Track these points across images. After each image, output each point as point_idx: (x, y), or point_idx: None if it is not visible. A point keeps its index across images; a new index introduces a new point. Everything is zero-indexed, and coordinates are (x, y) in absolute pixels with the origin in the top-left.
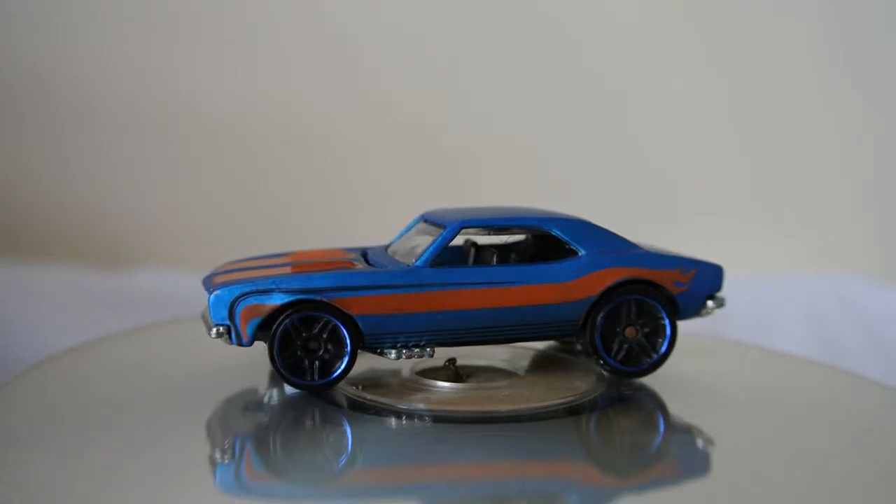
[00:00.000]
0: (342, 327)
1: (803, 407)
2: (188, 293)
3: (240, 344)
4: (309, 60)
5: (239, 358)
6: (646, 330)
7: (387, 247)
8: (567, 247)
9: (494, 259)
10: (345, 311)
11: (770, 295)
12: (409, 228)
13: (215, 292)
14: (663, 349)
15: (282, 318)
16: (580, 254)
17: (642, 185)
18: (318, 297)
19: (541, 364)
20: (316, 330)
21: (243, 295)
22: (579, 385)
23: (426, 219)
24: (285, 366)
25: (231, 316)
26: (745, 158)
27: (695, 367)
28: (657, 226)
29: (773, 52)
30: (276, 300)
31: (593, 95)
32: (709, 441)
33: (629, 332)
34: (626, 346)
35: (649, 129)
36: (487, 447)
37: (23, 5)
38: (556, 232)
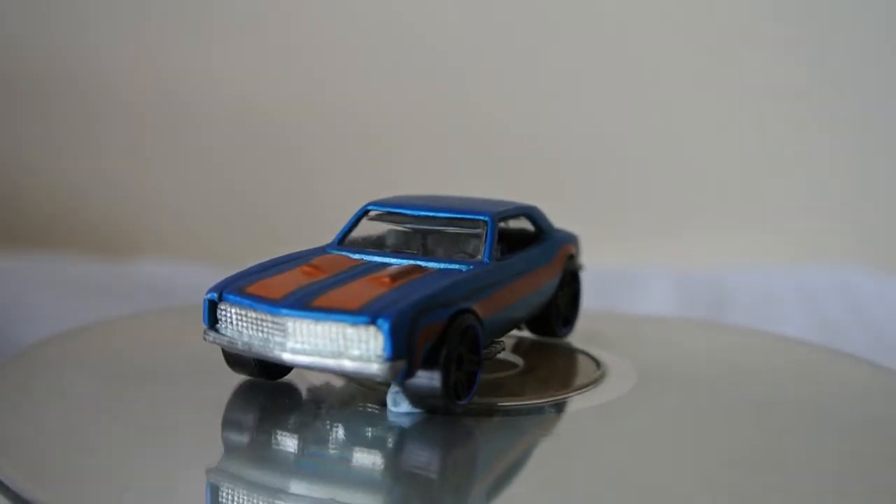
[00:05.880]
0: (480, 334)
1: (800, 389)
2: (187, 283)
3: (406, 377)
4: (307, 58)
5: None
6: (570, 295)
7: (338, 242)
8: (536, 231)
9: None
10: (480, 315)
11: (769, 287)
12: (354, 220)
13: (390, 318)
14: (579, 309)
15: (450, 334)
16: (544, 236)
17: (645, 182)
18: (468, 306)
19: (520, 349)
20: (467, 341)
21: (420, 314)
22: (593, 366)
23: (382, 208)
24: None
25: (410, 344)
26: (744, 154)
27: (702, 359)
28: (659, 222)
29: (773, 47)
30: (442, 315)
31: (601, 96)
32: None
33: (563, 299)
34: (563, 311)
35: (654, 127)
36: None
37: None
38: (539, 221)
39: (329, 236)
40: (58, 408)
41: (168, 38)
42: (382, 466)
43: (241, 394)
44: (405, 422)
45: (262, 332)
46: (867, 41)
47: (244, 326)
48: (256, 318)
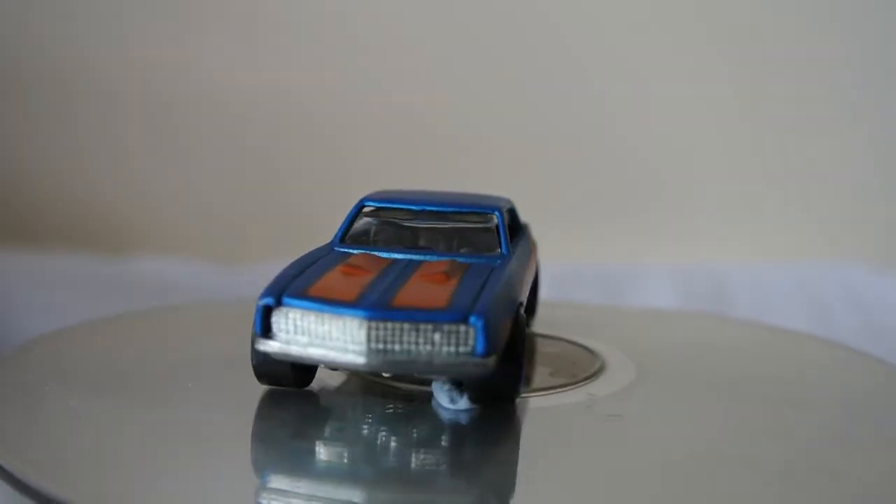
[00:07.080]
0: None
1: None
2: (187, 281)
3: (483, 378)
4: (317, 52)
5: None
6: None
7: (341, 238)
8: (515, 224)
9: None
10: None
11: (769, 286)
12: (352, 216)
13: (483, 315)
14: (538, 297)
15: (518, 327)
16: (519, 227)
17: (645, 180)
18: (522, 299)
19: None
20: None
21: (501, 309)
22: (590, 357)
23: (376, 203)
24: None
25: (495, 342)
26: (744, 152)
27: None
28: (659, 220)
29: (773, 41)
30: (512, 309)
31: (600, 93)
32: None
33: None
34: (530, 300)
35: (654, 125)
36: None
37: None
38: (516, 213)
39: (328, 235)
40: (59, 405)
41: (168, 38)
42: (447, 466)
43: (263, 402)
44: (451, 419)
45: (335, 337)
46: (867, 40)
47: (312, 332)
48: (330, 322)
